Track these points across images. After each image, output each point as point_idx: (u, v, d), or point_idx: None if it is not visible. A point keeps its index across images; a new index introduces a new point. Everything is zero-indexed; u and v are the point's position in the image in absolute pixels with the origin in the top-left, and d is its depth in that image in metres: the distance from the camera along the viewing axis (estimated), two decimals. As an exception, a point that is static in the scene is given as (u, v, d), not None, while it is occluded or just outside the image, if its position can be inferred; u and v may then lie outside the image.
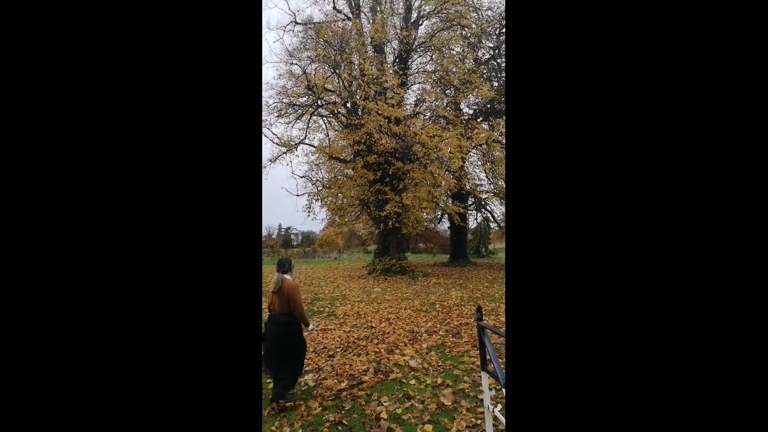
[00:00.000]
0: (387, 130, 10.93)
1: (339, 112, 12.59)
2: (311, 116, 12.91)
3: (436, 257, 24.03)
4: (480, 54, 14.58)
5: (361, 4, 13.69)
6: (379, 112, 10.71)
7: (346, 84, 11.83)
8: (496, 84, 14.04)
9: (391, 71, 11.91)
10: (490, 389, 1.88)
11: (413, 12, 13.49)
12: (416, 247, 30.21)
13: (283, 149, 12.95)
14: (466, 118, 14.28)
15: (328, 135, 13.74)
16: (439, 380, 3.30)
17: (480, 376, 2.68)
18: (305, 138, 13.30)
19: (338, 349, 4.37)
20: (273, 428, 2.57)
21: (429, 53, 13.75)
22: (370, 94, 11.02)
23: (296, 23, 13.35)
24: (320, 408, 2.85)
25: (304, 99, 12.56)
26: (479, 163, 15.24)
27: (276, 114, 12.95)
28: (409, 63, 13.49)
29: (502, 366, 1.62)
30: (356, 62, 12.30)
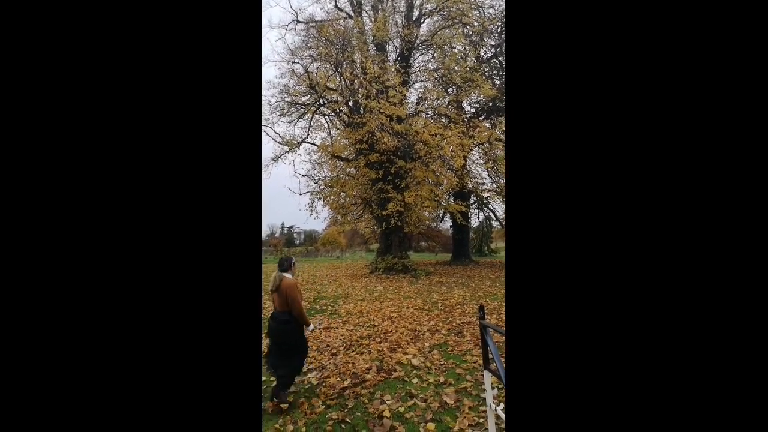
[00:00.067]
0: (389, 128, 10.91)
1: (341, 111, 12.58)
2: (313, 115, 12.91)
3: (439, 256, 24.01)
4: (482, 52, 14.52)
5: (362, 2, 13.65)
6: (381, 110, 10.69)
7: (348, 82, 11.82)
8: (498, 82, 13.99)
9: (392, 69, 11.89)
10: (493, 388, 1.89)
11: (415, 10, 13.45)
12: (418, 245, 30.21)
13: (286, 148, 12.97)
14: (468, 116, 14.23)
15: (330, 134, 13.74)
16: (442, 379, 3.31)
17: (482, 375, 2.69)
18: (307, 137, 13.30)
19: (341, 348, 4.39)
20: (277, 426, 2.59)
21: (431, 51, 13.70)
22: (372, 93, 11.00)
23: (298, 22, 13.33)
24: (323, 406, 2.87)
25: (306, 98, 12.56)
26: (481, 161, 15.18)
27: (278, 113, 12.95)
28: (410, 61, 13.45)
29: (504, 364, 1.62)
30: (358, 61, 12.28)
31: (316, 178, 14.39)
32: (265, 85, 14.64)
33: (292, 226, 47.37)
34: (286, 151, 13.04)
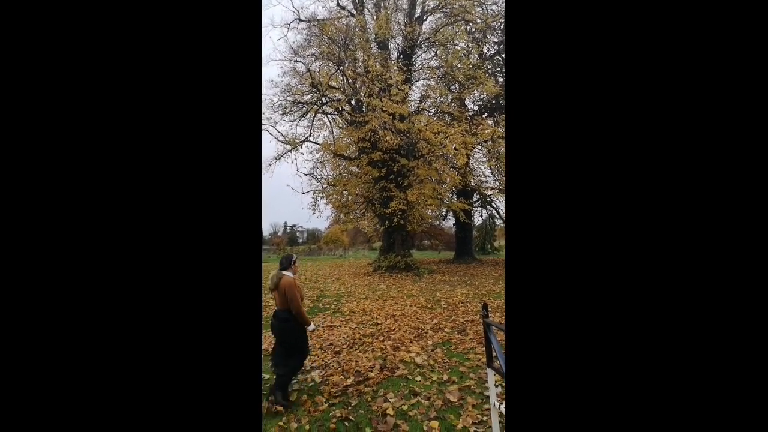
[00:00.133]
0: (391, 126, 10.90)
1: (343, 110, 12.59)
2: (316, 114, 12.94)
3: (441, 254, 24.00)
4: (485, 49, 14.45)
5: (364, 0, 13.63)
6: (384, 108, 10.68)
7: (350, 81, 11.81)
8: (501, 79, 13.92)
9: (395, 68, 11.87)
10: (496, 386, 1.88)
11: (417, 7, 13.41)
12: (421, 244, 30.20)
13: (288, 147, 13.00)
14: (471, 114, 14.18)
15: (332, 132, 13.76)
16: (445, 377, 3.31)
17: (486, 373, 2.68)
18: (310, 136, 13.34)
19: (344, 346, 4.40)
20: (281, 423, 2.60)
21: (433, 49, 13.67)
22: (375, 91, 10.99)
23: (300, 20, 13.34)
24: (327, 404, 2.87)
25: (309, 96, 12.57)
26: (484, 159, 15.14)
27: (281, 112, 12.99)
28: (413, 59, 13.42)
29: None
30: (360, 59, 12.26)
31: (319, 176, 14.44)
32: (268, 84, 14.70)
33: (294, 225, 47.52)
34: (289, 150, 13.09)
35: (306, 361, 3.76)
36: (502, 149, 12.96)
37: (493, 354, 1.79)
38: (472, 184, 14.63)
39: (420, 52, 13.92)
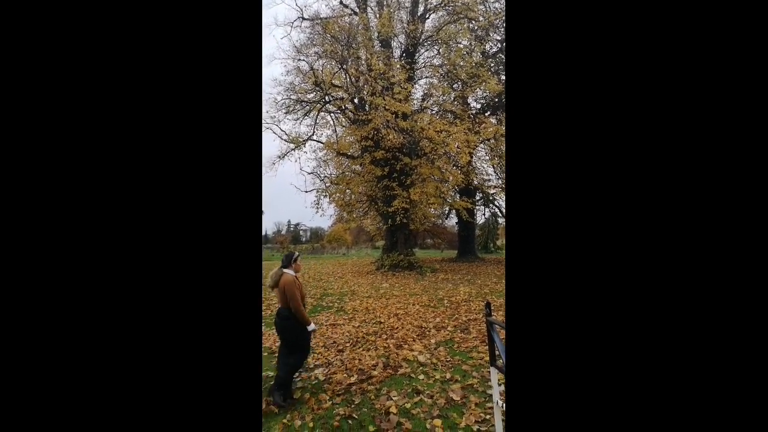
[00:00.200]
0: (394, 125, 10.89)
1: (346, 108, 12.59)
2: (319, 112, 12.94)
3: (444, 253, 23.97)
4: (487, 47, 14.40)
5: (367, -2, 13.60)
6: (387, 107, 10.67)
7: (353, 79, 11.81)
8: (504, 77, 13.84)
9: (398, 66, 11.85)
10: (500, 385, 1.89)
11: (420, 5, 13.37)
12: (424, 242, 30.17)
13: (292, 146, 13.02)
14: (474, 112, 14.14)
15: (335, 131, 13.77)
16: (448, 375, 3.32)
17: (489, 372, 2.69)
18: (313, 134, 13.35)
19: (347, 344, 4.41)
20: (285, 421, 2.62)
21: (436, 47, 13.62)
22: (377, 90, 10.98)
23: (303, 19, 13.34)
24: (330, 402, 2.89)
25: (312, 95, 12.58)
26: (487, 157, 15.11)
27: (284, 111, 13.00)
28: (416, 57, 13.39)
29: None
30: (363, 57, 12.25)
31: (322, 175, 14.45)
32: (272, 82, 14.74)
33: (298, 224, 47.65)
34: (292, 149, 13.10)
35: (309, 359, 3.78)
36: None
37: (496, 352, 1.80)
38: (475, 182, 14.59)
39: (423, 50, 13.89)
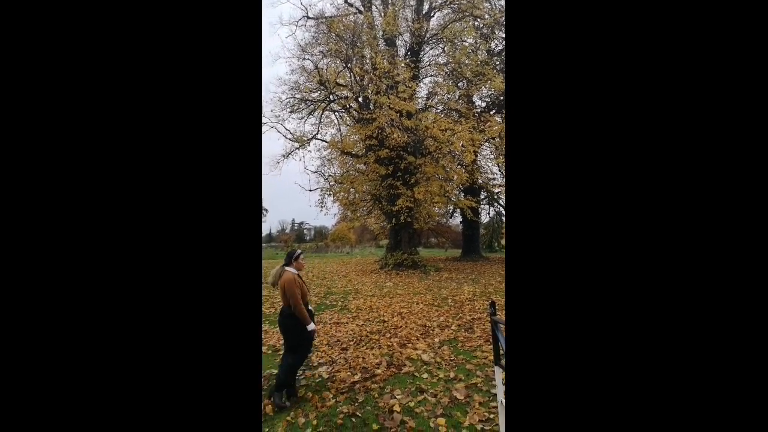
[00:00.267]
0: (399, 124, 10.88)
1: (351, 107, 12.59)
2: (323, 111, 12.96)
3: (448, 252, 23.93)
4: (493, 45, 14.29)
5: (372, -4, 13.58)
6: (391, 106, 10.66)
7: (357, 78, 11.80)
8: (509, 76, 13.74)
9: (402, 64, 11.82)
10: (504, 384, 1.88)
11: (425, 3, 13.33)
12: (428, 241, 30.16)
13: (296, 145, 13.05)
14: (479, 110, 14.08)
15: (340, 130, 13.78)
16: (452, 374, 3.31)
17: (493, 371, 2.68)
18: (317, 133, 13.37)
19: (351, 343, 4.42)
20: (288, 419, 2.63)
21: (441, 45, 13.58)
22: (382, 88, 10.96)
23: (308, 18, 13.36)
24: (334, 400, 2.90)
25: (317, 94, 12.60)
26: (492, 156, 15.03)
27: (289, 110, 13.03)
28: (420, 56, 13.35)
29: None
30: (368, 56, 12.24)
31: (326, 174, 14.49)
32: (276, 81, 14.78)
33: (302, 223, 47.87)
34: (297, 148, 13.14)
35: (313, 357, 3.79)
36: (510, 146, 12.79)
37: (501, 352, 1.79)
38: (480, 181, 14.52)
39: (428, 49, 13.84)
